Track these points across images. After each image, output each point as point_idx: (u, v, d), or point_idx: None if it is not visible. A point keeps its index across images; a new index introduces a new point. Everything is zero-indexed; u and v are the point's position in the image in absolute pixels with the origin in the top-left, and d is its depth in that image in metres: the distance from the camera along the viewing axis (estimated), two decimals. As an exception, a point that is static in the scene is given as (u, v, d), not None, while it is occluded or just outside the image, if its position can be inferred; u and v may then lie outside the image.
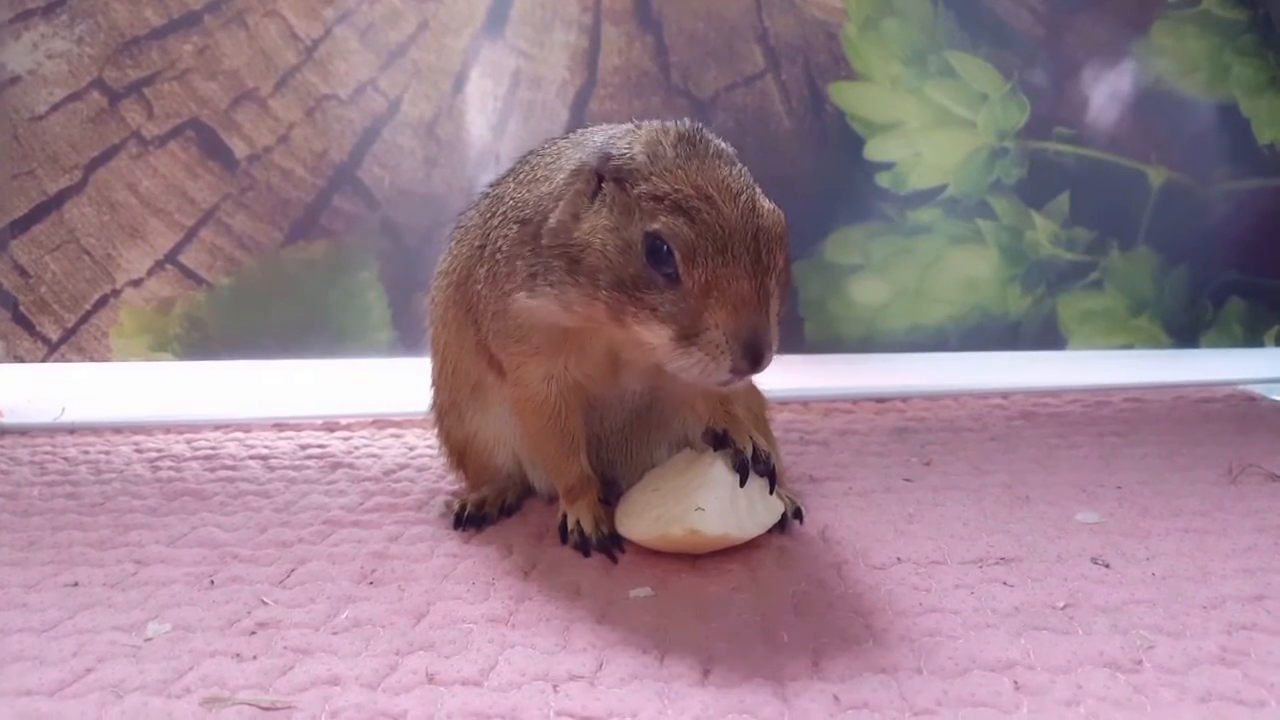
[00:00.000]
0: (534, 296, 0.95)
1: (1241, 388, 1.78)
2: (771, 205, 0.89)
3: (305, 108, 1.82)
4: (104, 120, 1.80)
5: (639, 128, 0.93)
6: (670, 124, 0.92)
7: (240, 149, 1.82)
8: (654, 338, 0.86)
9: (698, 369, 0.84)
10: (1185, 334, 1.97)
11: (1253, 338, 1.97)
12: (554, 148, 1.07)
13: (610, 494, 1.11)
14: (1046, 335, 1.95)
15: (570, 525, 1.04)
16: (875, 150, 1.89)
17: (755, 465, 0.99)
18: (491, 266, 1.02)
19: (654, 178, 0.86)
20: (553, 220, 0.93)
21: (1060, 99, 1.90)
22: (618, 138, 0.92)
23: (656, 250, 0.84)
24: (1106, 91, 1.91)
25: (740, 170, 0.89)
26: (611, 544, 1.01)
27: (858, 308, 1.92)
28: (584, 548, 1.02)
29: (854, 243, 1.91)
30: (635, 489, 1.05)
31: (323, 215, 1.84)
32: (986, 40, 1.88)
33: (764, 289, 0.84)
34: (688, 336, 0.84)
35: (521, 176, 1.06)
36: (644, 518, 0.99)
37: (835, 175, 1.89)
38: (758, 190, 0.89)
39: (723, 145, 0.92)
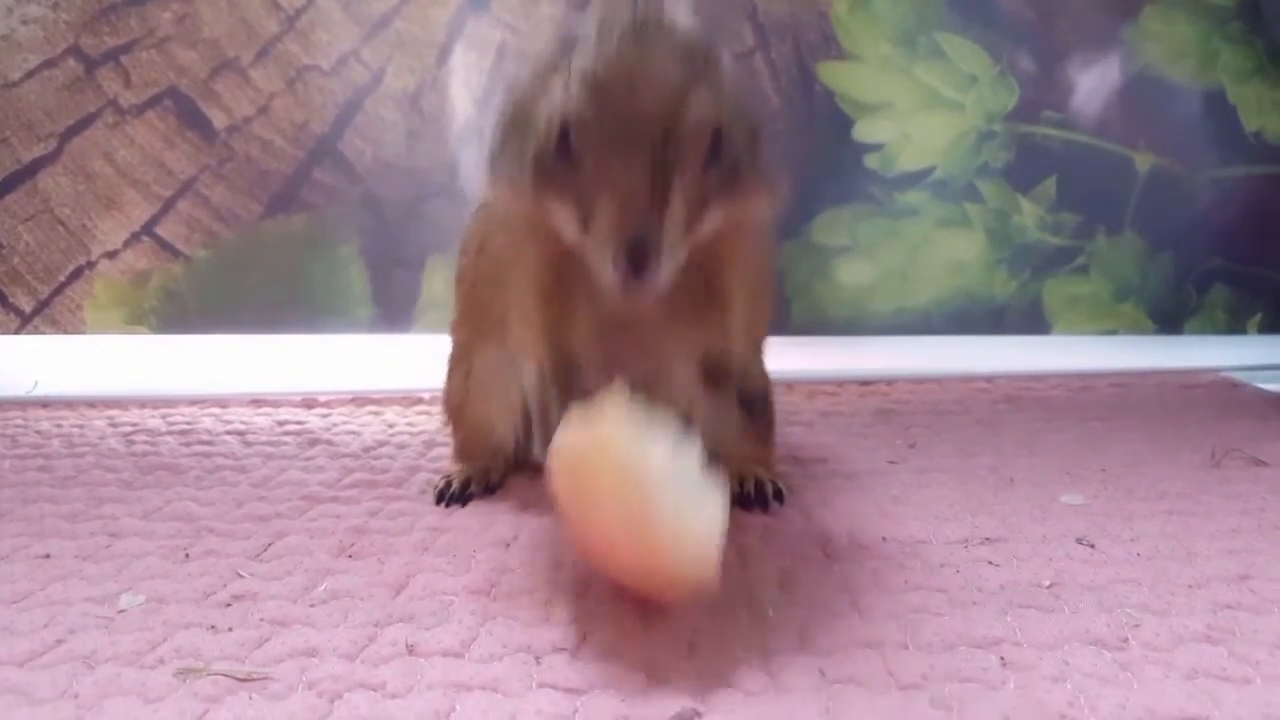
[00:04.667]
0: (492, 182, 0.90)
1: (1224, 374, 1.79)
2: (707, 98, 0.78)
3: (286, 78, 1.79)
4: (80, 88, 1.76)
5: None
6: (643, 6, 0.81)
7: (219, 119, 1.79)
8: (564, 222, 0.81)
9: (597, 268, 0.78)
10: (1169, 320, 1.97)
11: (1236, 325, 1.99)
12: None
13: None
14: (1032, 320, 1.95)
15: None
16: (864, 131, 1.88)
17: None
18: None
19: (588, 55, 0.78)
20: (524, 85, 0.86)
21: (1049, 83, 1.90)
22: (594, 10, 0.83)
23: (565, 129, 0.78)
24: (1095, 76, 1.91)
25: (687, 56, 0.79)
26: None
27: (844, 289, 1.92)
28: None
29: (841, 224, 1.90)
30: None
31: (303, 188, 1.81)
32: (976, 22, 1.87)
33: (663, 186, 0.76)
34: (585, 225, 0.78)
35: None
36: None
37: (823, 156, 1.88)
38: (704, 76, 0.79)
39: (684, 35, 0.80)
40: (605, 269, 0.76)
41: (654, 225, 0.75)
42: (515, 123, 0.85)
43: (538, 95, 0.83)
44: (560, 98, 0.79)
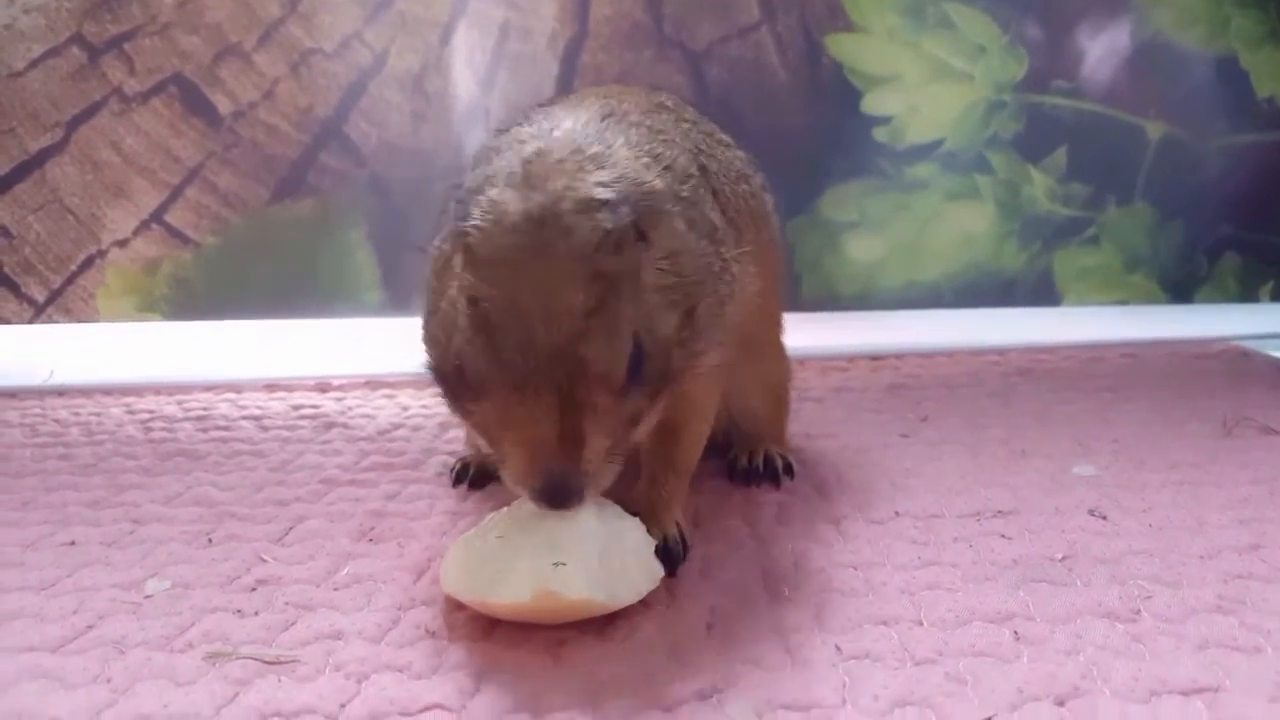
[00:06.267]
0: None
1: (1236, 343, 1.78)
2: (607, 336, 0.68)
3: (290, 62, 1.78)
4: (84, 76, 1.76)
5: (527, 158, 0.73)
6: (525, 186, 0.70)
7: (224, 105, 1.78)
8: (479, 437, 0.78)
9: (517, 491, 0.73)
10: (1181, 290, 1.97)
11: (1247, 293, 1.98)
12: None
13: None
14: (1042, 291, 1.95)
15: None
16: (873, 104, 1.87)
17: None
18: None
19: (481, 265, 0.69)
20: (436, 249, 0.82)
21: (1058, 52, 1.88)
22: (476, 185, 0.73)
23: (460, 364, 0.72)
24: (1105, 44, 1.89)
25: (590, 267, 0.68)
26: None
27: (854, 264, 1.91)
28: None
29: (850, 199, 1.89)
30: (472, 535, 0.79)
31: (310, 172, 1.81)
32: (984, -9, 1.85)
33: (574, 430, 0.68)
34: (499, 453, 0.73)
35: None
36: (477, 575, 0.75)
37: (832, 129, 1.87)
38: (614, 284, 0.69)
39: (586, 234, 0.68)
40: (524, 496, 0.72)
41: (569, 470, 0.69)
42: (430, 290, 0.79)
43: (441, 272, 0.76)
44: (457, 325, 0.71)
